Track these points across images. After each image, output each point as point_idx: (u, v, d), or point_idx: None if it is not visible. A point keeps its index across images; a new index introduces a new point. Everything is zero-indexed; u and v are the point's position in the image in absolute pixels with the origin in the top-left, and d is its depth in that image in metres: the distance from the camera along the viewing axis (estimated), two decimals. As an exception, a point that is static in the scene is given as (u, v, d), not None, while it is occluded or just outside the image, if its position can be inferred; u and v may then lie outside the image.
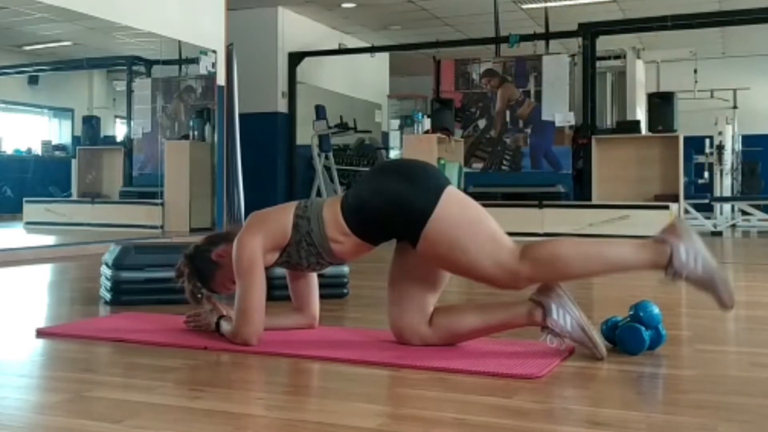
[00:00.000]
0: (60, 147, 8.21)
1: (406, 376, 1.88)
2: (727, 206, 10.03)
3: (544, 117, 8.43)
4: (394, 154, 11.71)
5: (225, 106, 6.96)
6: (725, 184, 10.57)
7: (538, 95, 8.49)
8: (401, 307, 2.16)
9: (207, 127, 7.71)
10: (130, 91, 8.06)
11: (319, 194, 8.80)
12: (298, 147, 9.78)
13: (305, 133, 9.47)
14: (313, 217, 2.15)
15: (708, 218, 9.09)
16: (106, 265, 3.15)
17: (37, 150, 8.09)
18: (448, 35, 10.41)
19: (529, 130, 8.52)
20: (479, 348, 2.12)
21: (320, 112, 9.01)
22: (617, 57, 9.66)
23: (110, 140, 8.34)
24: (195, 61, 7.46)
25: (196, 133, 7.82)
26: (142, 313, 2.80)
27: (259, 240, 2.14)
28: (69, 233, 7.18)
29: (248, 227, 2.19)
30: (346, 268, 3.18)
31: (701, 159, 11.11)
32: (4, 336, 2.51)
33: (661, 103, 7.82)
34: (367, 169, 9.34)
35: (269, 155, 9.60)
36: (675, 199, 7.36)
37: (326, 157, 9.15)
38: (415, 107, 11.95)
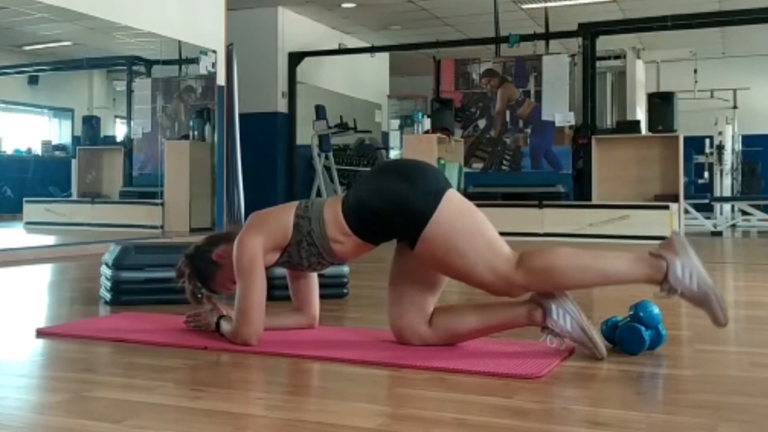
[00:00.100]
0: (60, 147, 8.21)
1: (406, 376, 1.88)
2: (727, 206, 10.04)
3: (544, 117, 8.44)
4: (394, 154, 11.71)
5: (225, 106, 6.96)
6: (725, 184, 10.57)
7: (538, 95, 8.49)
8: (401, 307, 2.16)
9: (207, 127, 7.71)
10: (130, 91, 8.06)
11: (319, 194, 8.80)
12: (298, 147, 9.78)
13: (305, 133, 9.47)
14: (313, 217, 2.15)
15: (708, 218, 9.09)
16: (106, 265, 3.15)
17: (37, 150, 8.09)
18: (448, 35, 10.41)
19: (529, 130, 8.53)
20: (479, 348, 2.12)
21: (320, 112, 9.01)
22: (617, 57, 9.66)
23: (110, 140, 8.34)
24: (195, 61, 7.46)
25: (196, 133, 7.82)
26: (142, 313, 2.80)
27: (259, 240, 2.14)
28: (69, 233, 7.18)
29: (249, 227, 2.19)
30: (346, 268, 3.18)
31: (701, 159, 11.11)
32: (4, 336, 2.51)
33: (661, 103, 7.82)
34: (367, 169, 9.35)
35: (269, 155, 9.60)
36: (675, 199, 7.36)
37: (326, 157, 9.15)
38: (415, 107, 11.95)
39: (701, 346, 2.32)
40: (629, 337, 2.09)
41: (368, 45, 10.70)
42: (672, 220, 7.03)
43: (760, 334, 2.58)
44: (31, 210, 7.63)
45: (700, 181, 11.19)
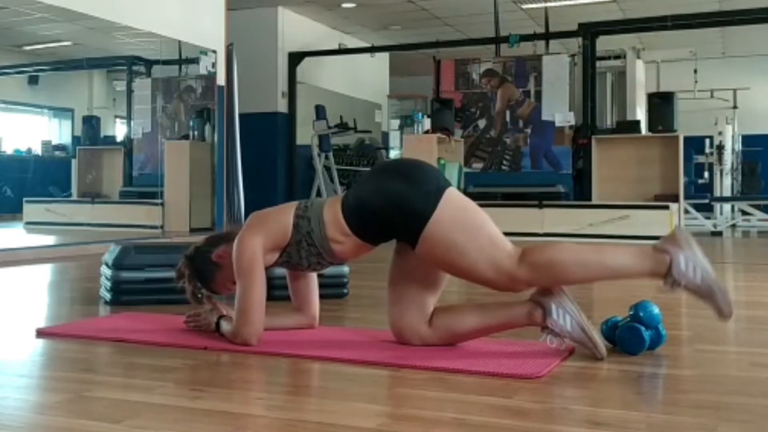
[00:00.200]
0: (60, 147, 8.21)
1: (406, 376, 1.88)
2: (727, 206, 10.04)
3: (544, 117, 8.43)
4: (394, 154, 11.71)
5: (225, 106, 6.97)
6: (725, 184, 10.58)
7: (538, 95, 8.49)
8: (401, 307, 2.16)
9: (207, 127, 7.71)
10: (130, 91, 8.06)
11: (319, 194, 8.80)
12: (298, 147, 9.78)
13: (305, 133, 9.47)
14: (313, 217, 2.15)
15: (708, 218, 9.09)
16: (106, 265, 3.15)
17: (37, 150, 8.09)
18: (448, 35, 10.41)
19: (529, 130, 8.53)
20: (479, 348, 2.12)
21: (320, 112, 9.01)
22: (617, 57, 9.66)
23: (110, 140, 8.34)
24: (195, 61, 7.46)
25: (196, 133, 7.82)
26: (142, 313, 2.80)
27: (259, 240, 2.14)
28: (69, 233, 7.18)
29: (248, 227, 2.19)
30: (346, 268, 3.18)
31: (701, 159, 11.11)
32: (4, 336, 2.51)
33: (661, 103, 7.82)
34: (367, 169, 9.35)
35: (269, 155, 9.60)
36: (675, 199, 7.36)
37: (326, 157, 9.15)
38: (415, 107, 11.95)
39: (701, 346, 2.32)
40: (629, 337, 2.09)
41: (368, 45, 10.70)
42: (672, 220, 7.03)
43: (760, 334, 2.58)
44: (31, 210, 7.63)
45: (700, 181, 11.19)
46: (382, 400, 1.75)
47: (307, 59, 9.95)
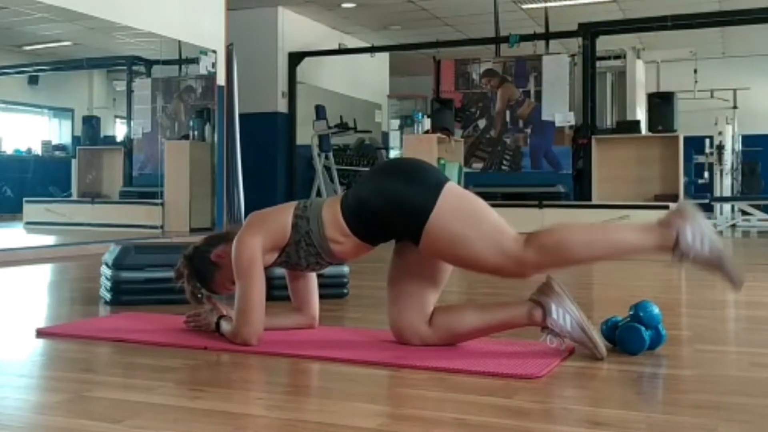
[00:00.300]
0: (60, 147, 8.22)
1: (406, 376, 1.88)
2: (727, 206, 10.04)
3: (544, 117, 8.44)
4: (394, 154, 11.70)
5: (225, 106, 6.97)
6: (725, 184, 10.58)
7: (538, 95, 8.50)
8: (401, 307, 2.15)
9: (207, 127, 7.71)
10: (130, 91, 8.06)
11: (319, 194, 8.80)
12: (298, 147, 9.78)
13: (305, 133, 9.47)
14: (312, 217, 2.15)
15: (708, 218, 9.06)
16: (106, 265, 3.15)
17: (37, 150, 8.10)
18: (448, 35, 10.42)
19: (529, 130, 8.53)
20: (479, 348, 2.12)
21: (320, 112, 9.01)
22: (617, 57, 9.66)
23: (110, 140, 8.34)
24: (195, 61, 7.45)
25: (196, 133, 7.82)
26: (142, 313, 2.80)
27: (258, 240, 2.14)
28: (69, 233, 7.18)
29: (247, 227, 2.19)
30: (346, 268, 3.18)
31: (701, 159, 11.12)
32: (4, 336, 2.51)
33: (661, 103, 7.82)
34: (367, 169, 9.35)
35: (269, 155, 9.60)
36: (675, 199, 7.35)
37: (326, 157, 9.15)
38: (415, 107, 11.95)
39: (701, 346, 2.32)
40: (629, 337, 2.09)
41: (368, 45, 10.70)
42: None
43: (760, 334, 2.58)
44: (31, 210, 7.64)
45: (700, 181, 11.19)
46: (382, 400, 1.75)
47: (307, 59, 9.95)
